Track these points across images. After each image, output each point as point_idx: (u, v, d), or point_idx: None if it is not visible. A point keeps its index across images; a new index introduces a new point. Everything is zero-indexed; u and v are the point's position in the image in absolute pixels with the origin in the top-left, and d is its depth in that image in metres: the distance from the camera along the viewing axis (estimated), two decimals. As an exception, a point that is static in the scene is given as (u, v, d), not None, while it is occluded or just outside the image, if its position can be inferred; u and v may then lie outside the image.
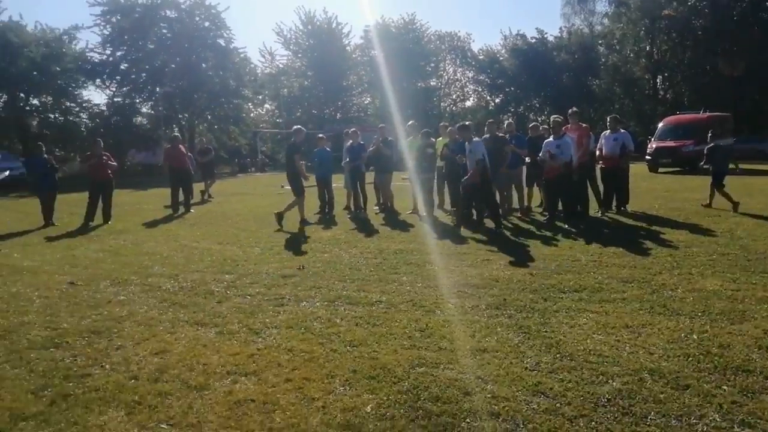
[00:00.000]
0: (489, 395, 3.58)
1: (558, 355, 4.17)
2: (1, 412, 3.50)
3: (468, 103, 54.48)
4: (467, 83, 53.51)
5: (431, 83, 52.15)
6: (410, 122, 13.29)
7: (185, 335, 4.83)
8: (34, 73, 29.83)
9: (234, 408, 3.52)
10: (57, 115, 32.77)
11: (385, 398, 3.59)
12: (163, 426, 3.33)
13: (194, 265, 7.54)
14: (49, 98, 32.21)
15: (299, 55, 47.24)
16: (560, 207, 10.28)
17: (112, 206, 12.12)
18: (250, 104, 42.06)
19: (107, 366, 4.20)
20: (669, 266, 6.65)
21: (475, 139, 9.95)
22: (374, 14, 64.58)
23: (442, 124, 13.96)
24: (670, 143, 22.04)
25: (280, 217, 10.69)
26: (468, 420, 3.30)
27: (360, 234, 9.72)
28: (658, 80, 44.47)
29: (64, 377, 4.00)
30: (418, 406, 3.47)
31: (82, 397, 3.70)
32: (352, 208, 12.47)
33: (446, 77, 53.35)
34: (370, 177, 12.79)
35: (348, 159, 12.40)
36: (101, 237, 10.10)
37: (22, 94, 31.05)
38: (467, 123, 10.47)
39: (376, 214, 12.12)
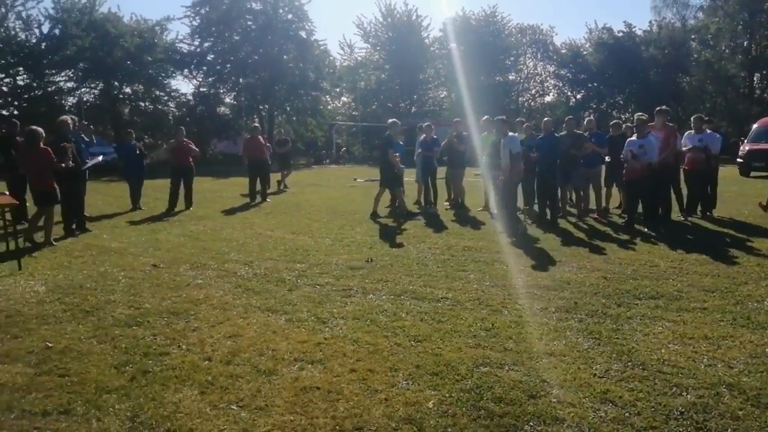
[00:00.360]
0: (554, 400, 3.51)
1: (629, 364, 4.03)
2: (88, 384, 3.76)
3: (547, 99, 53.06)
4: (547, 78, 52.05)
5: (510, 77, 51.12)
6: (485, 117, 13.11)
7: (257, 321, 5.01)
8: (128, 62, 31.44)
9: (300, 394, 3.63)
10: (147, 104, 34.52)
11: (447, 395, 3.60)
12: (233, 407, 3.48)
13: (268, 253, 7.79)
14: (140, 87, 33.88)
15: (378, 48, 47.44)
16: (640, 209, 9.88)
17: (193, 192, 12.66)
18: (327, 96, 42.66)
19: (184, 346, 4.43)
20: (756, 276, 6.27)
21: (511, 134, 9.78)
22: (454, 7, 63.82)
23: (518, 119, 13.73)
24: (764, 146, 20.59)
25: (402, 212, 11.05)
26: (531, 423, 3.26)
27: (429, 229, 9.72)
28: (755, 78, 41.66)
29: (144, 354, 4.25)
30: (481, 405, 3.46)
31: (159, 374, 3.92)
32: (423, 203, 12.47)
33: (526, 71, 52.12)
34: (441, 172, 12.74)
35: (420, 151, 12.41)
36: (183, 222, 10.60)
37: (116, 83, 32.85)
38: (503, 117, 10.38)
39: (447, 209, 12.08)
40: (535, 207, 10.92)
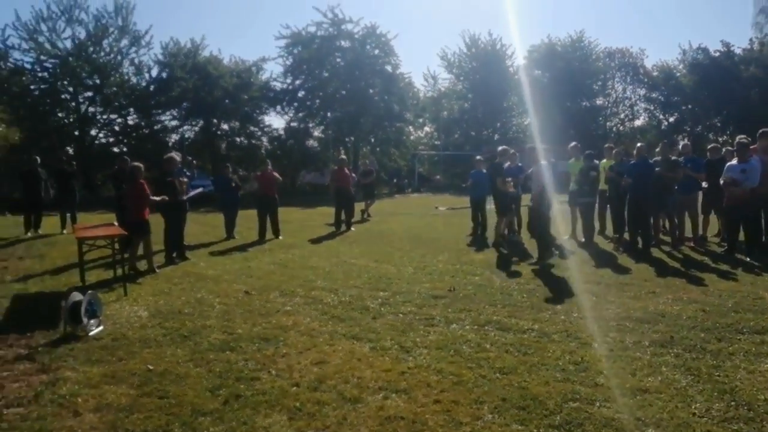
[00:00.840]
0: (649, 439, 3.35)
1: (732, 403, 3.78)
2: (185, 407, 3.96)
3: (637, 123, 50.94)
4: (637, 101, 50.16)
5: (597, 102, 49.69)
6: (572, 143, 12.83)
7: (342, 348, 5.11)
8: (226, 101, 33.49)
9: (385, 423, 3.66)
10: (242, 139, 36.57)
11: (535, 430, 3.52)
12: (319, 433, 3.56)
13: (352, 281, 7.94)
14: (236, 123, 35.91)
15: (461, 78, 47.55)
16: (742, 237, 9.26)
17: (279, 222, 13.10)
18: (410, 127, 43.26)
19: (273, 372, 4.58)
20: None
21: (542, 162, 9.42)
22: (539, 34, 63.07)
23: (606, 145, 13.33)
24: None
25: (498, 241, 11.05)
26: (623, 463, 3.12)
27: (513, 258, 9.56)
28: None
29: (236, 379, 4.43)
30: (569, 442, 3.35)
31: (251, 398, 4.07)
32: (507, 231, 12.26)
33: (614, 95, 50.49)
34: (526, 199, 12.51)
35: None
36: (273, 251, 11.01)
37: (215, 120, 34.99)
38: (533, 146, 10.09)
39: (531, 238, 11.80)
40: (626, 235, 10.50)
